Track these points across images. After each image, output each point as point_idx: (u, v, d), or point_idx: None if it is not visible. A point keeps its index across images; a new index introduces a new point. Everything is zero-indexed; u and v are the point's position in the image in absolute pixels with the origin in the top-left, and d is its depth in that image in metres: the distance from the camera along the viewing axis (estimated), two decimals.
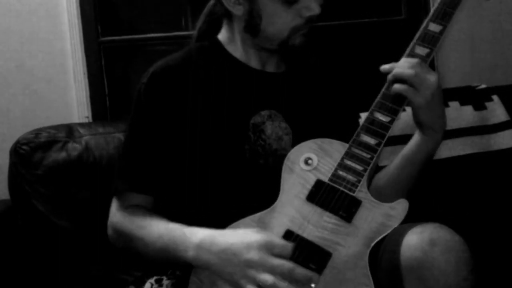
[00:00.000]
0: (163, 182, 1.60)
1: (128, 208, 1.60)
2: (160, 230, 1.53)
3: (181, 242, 1.48)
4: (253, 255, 1.38)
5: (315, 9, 1.58)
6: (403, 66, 1.53)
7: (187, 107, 1.60)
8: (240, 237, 1.43)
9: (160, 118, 1.60)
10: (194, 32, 1.76)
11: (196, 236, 1.46)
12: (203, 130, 1.60)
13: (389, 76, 1.55)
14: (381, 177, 1.70)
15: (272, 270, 1.38)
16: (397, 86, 1.53)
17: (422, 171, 1.66)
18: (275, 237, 1.43)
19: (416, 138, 1.63)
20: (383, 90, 1.56)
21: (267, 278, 1.37)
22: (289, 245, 1.41)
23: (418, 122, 1.59)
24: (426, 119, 1.57)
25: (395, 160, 1.67)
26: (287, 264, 1.39)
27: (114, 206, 1.63)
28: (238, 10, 1.61)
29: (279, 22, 1.59)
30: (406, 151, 1.65)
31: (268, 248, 1.39)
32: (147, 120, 1.61)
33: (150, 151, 1.60)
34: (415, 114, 1.57)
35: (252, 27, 1.61)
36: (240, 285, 1.39)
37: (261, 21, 1.59)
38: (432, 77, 1.52)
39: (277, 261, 1.38)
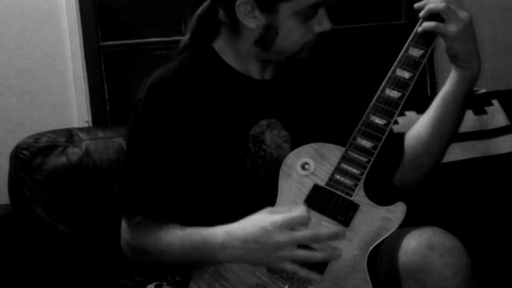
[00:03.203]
0: (167, 201, 1.59)
1: (138, 223, 1.59)
2: (177, 238, 1.53)
3: (204, 247, 1.49)
4: (277, 237, 1.42)
5: (327, 26, 1.58)
6: (436, 1, 1.54)
7: (187, 121, 1.58)
8: (256, 223, 1.46)
9: (160, 133, 1.58)
10: (183, 38, 1.72)
11: (216, 238, 1.48)
12: (203, 144, 1.59)
13: (422, 13, 1.56)
14: (422, 125, 1.67)
15: (299, 243, 1.43)
16: (427, 24, 1.54)
17: (462, 111, 1.64)
18: (288, 213, 1.46)
19: (453, 75, 1.61)
20: (378, 93, 1.56)
21: (300, 252, 1.43)
22: (303, 213, 1.45)
23: (454, 56, 1.58)
24: (460, 50, 1.55)
25: (433, 104, 1.65)
26: (309, 232, 1.44)
27: (124, 224, 1.62)
28: (251, 23, 1.57)
29: (293, 37, 1.58)
30: (445, 91, 1.63)
31: (286, 225, 1.43)
32: (148, 137, 1.59)
33: (153, 170, 1.58)
34: (449, 47, 1.56)
35: (265, 41, 1.59)
36: (278, 268, 1.45)
37: (277, 36, 1.58)
38: (464, 12, 1.53)
39: (300, 234, 1.43)
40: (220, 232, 1.49)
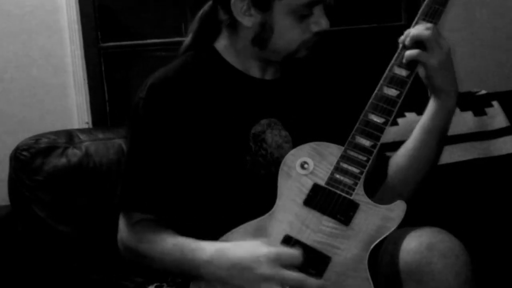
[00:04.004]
0: (166, 199, 1.59)
1: (136, 224, 1.59)
2: (170, 246, 1.52)
3: (191, 259, 1.48)
4: (264, 269, 1.39)
5: (325, 25, 1.58)
6: (419, 28, 1.54)
7: (187, 120, 1.58)
8: (249, 251, 1.42)
9: (161, 132, 1.58)
10: (186, 39, 1.73)
11: (205, 253, 1.47)
12: (204, 143, 1.59)
13: (406, 40, 1.55)
14: (401, 154, 1.68)
15: (284, 283, 1.38)
16: (409, 52, 1.54)
17: (441, 143, 1.66)
18: (283, 248, 1.44)
19: (431, 106, 1.62)
20: (376, 91, 1.56)
21: None
22: (297, 254, 1.41)
23: (433, 87, 1.59)
24: (440, 82, 1.56)
25: (412, 134, 1.66)
26: (298, 276, 1.39)
27: (122, 222, 1.62)
28: (248, 21, 1.58)
29: (289, 36, 1.58)
30: (423, 121, 1.64)
31: (277, 260, 1.39)
32: (148, 136, 1.59)
33: (154, 168, 1.58)
34: (429, 78, 1.57)
35: (261, 39, 1.60)
36: None
37: (272, 34, 1.58)
38: (444, 42, 1.54)
39: (288, 274, 1.39)
40: (209, 248, 1.47)
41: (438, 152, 1.67)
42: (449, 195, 2.37)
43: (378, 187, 1.68)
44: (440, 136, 1.64)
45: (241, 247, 1.45)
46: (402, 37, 1.58)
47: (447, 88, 1.58)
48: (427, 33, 1.53)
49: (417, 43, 1.54)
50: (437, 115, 1.61)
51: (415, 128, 1.66)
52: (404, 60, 1.56)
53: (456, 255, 1.40)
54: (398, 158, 1.68)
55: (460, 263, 1.39)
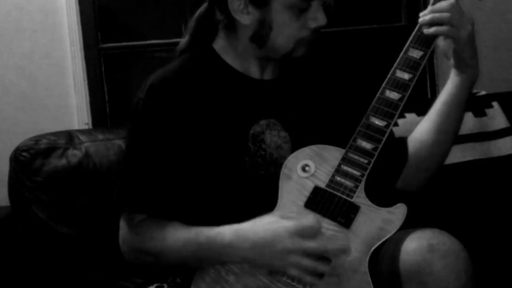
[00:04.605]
0: (167, 198, 1.58)
1: (140, 223, 1.59)
2: (184, 239, 1.53)
3: (209, 246, 1.49)
4: (287, 243, 1.43)
5: (322, 21, 1.58)
6: (440, 9, 1.54)
7: (187, 120, 1.58)
8: (268, 227, 1.46)
9: (160, 132, 1.58)
10: (182, 40, 1.73)
11: (224, 237, 1.49)
12: (203, 143, 1.59)
13: (427, 20, 1.55)
14: (424, 130, 1.68)
15: (308, 253, 1.43)
16: (438, 29, 1.54)
17: (463, 112, 1.66)
18: (300, 220, 1.47)
19: (457, 79, 1.62)
20: (378, 94, 1.56)
21: (307, 261, 1.43)
22: (315, 224, 1.45)
23: (461, 60, 1.59)
24: (468, 55, 1.57)
25: (435, 108, 1.66)
26: (320, 244, 1.44)
27: (124, 223, 1.61)
28: (246, 19, 1.58)
29: (288, 32, 1.58)
30: (448, 95, 1.64)
31: (297, 232, 1.43)
32: (147, 136, 1.59)
33: (153, 168, 1.58)
34: (459, 52, 1.57)
35: (260, 37, 1.59)
36: (282, 272, 1.45)
37: (271, 30, 1.58)
38: (467, 15, 1.55)
39: (310, 244, 1.43)
40: (228, 232, 1.49)
41: (461, 121, 1.68)
42: (449, 196, 2.37)
43: (401, 169, 1.69)
44: (464, 106, 1.65)
45: (259, 225, 1.47)
46: (424, 18, 1.56)
47: (474, 59, 1.59)
48: (447, 15, 1.52)
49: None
50: (463, 87, 1.62)
51: (436, 102, 1.66)
52: (426, 34, 1.56)
53: (457, 256, 1.40)
54: (422, 135, 1.68)
55: (461, 265, 1.40)
